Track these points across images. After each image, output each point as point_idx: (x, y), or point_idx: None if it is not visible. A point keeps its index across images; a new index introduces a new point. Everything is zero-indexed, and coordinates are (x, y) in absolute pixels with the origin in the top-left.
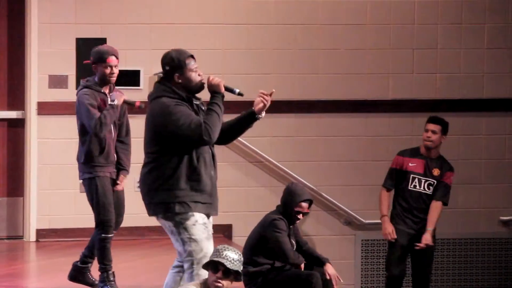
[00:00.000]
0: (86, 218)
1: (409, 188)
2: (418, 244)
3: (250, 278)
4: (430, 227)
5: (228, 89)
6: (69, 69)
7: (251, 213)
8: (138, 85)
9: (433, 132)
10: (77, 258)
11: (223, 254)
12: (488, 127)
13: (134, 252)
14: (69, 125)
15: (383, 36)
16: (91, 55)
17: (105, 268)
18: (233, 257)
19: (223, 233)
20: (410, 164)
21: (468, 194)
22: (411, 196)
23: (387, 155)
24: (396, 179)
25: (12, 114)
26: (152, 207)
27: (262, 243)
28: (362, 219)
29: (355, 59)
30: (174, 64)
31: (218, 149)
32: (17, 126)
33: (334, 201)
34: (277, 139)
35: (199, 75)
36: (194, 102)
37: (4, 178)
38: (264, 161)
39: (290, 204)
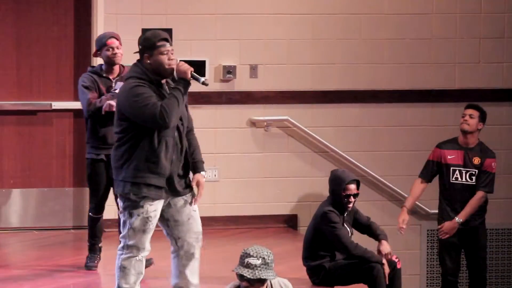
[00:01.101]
0: None
1: (451, 181)
2: (439, 230)
3: (312, 272)
4: (458, 217)
5: (194, 77)
6: (135, 60)
7: (316, 203)
8: (204, 76)
9: (471, 116)
10: None
11: (245, 262)
12: None
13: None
14: None
15: (449, 25)
16: (95, 46)
17: (92, 243)
18: (255, 264)
19: (288, 223)
20: (449, 157)
21: None
22: (454, 189)
23: None
24: (437, 172)
25: (78, 105)
26: (116, 184)
27: (318, 236)
28: (427, 209)
29: (421, 48)
30: (145, 44)
31: (284, 139)
32: (83, 117)
33: (399, 190)
34: (342, 129)
35: (169, 59)
36: (170, 86)
37: (70, 169)
38: (329, 151)
39: (338, 190)
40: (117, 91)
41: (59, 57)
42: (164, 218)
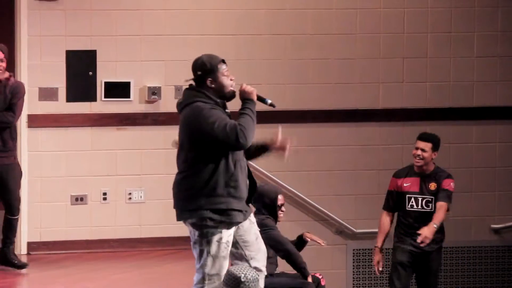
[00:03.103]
0: (77, 231)
1: (407, 209)
2: (418, 238)
3: None
4: (433, 222)
5: (260, 99)
6: (59, 82)
7: None
8: (129, 97)
9: (423, 150)
10: (68, 270)
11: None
12: (479, 135)
13: (126, 264)
14: (59, 138)
15: (373, 45)
16: None
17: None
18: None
19: None
20: (405, 184)
21: (459, 202)
22: (410, 216)
23: (378, 164)
24: (396, 201)
25: None
26: (185, 212)
27: None
28: (353, 229)
29: (345, 68)
30: (206, 69)
31: None
32: None
33: (325, 210)
34: None
35: (231, 79)
36: (226, 110)
37: None
38: (254, 171)
39: (273, 202)
40: None
41: None
42: (232, 242)
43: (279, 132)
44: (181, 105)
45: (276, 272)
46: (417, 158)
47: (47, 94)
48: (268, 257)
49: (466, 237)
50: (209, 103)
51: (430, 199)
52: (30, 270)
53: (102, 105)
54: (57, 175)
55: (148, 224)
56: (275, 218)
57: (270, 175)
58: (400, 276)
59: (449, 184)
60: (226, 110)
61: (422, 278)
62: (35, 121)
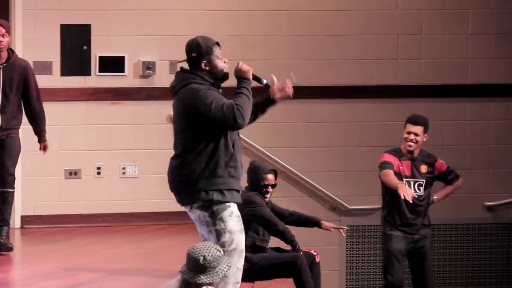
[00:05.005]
0: (70, 205)
1: None
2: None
3: None
4: (436, 195)
5: (255, 78)
6: (54, 56)
7: None
8: (123, 72)
9: (415, 134)
10: (62, 245)
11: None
12: (473, 112)
13: (120, 239)
14: (53, 112)
15: (368, 22)
16: None
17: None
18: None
19: None
20: (400, 167)
21: None
22: (401, 200)
23: (372, 141)
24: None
25: None
26: (187, 197)
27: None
28: (347, 205)
29: (341, 45)
30: (201, 51)
31: None
32: None
33: (319, 187)
34: (263, 124)
35: (224, 62)
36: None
37: None
38: (249, 147)
39: (257, 180)
40: None
41: None
42: None
43: (274, 78)
44: (175, 88)
45: (269, 247)
46: (411, 142)
47: (41, 68)
48: (258, 234)
49: (460, 214)
50: (205, 85)
51: (421, 182)
52: (23, 244)
53: (97, 80)
54: (52, 149)
55: (141, 199)
56: (263, 195)
57: (265, 151)
58: (396, 267)
59: (442, 165)
60: (220, 91)
61: (420, 265)
62: None
